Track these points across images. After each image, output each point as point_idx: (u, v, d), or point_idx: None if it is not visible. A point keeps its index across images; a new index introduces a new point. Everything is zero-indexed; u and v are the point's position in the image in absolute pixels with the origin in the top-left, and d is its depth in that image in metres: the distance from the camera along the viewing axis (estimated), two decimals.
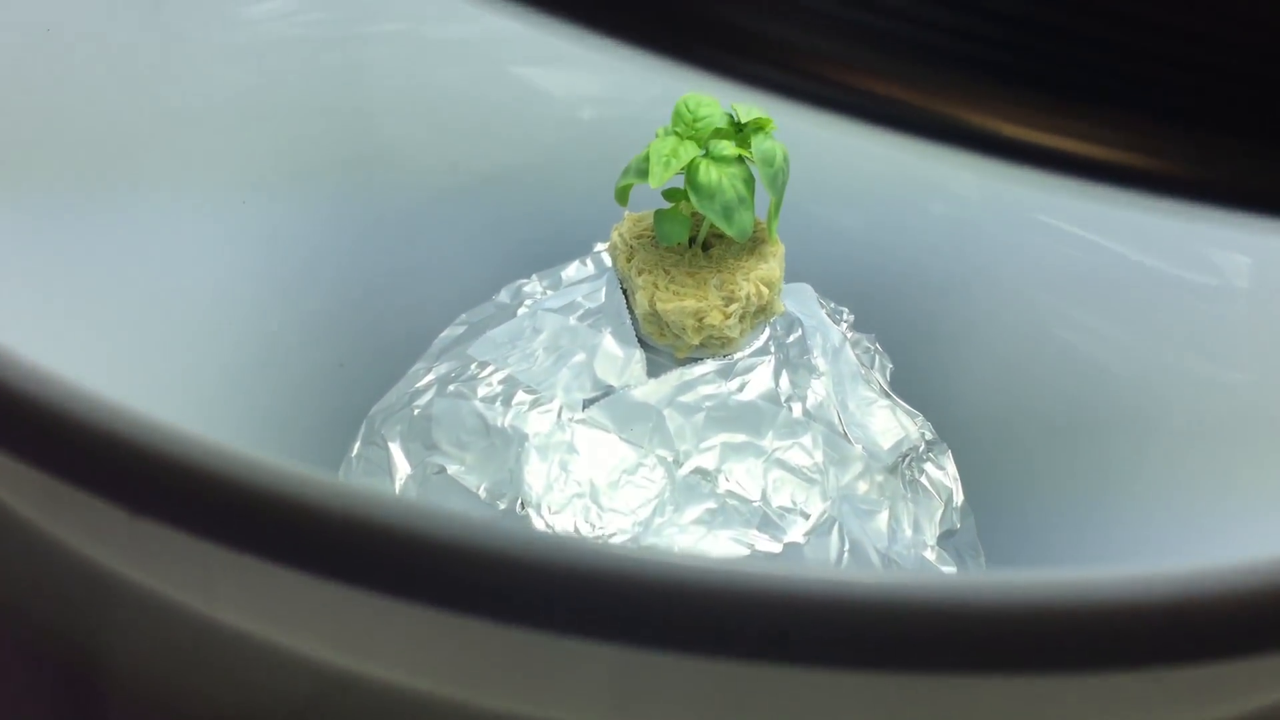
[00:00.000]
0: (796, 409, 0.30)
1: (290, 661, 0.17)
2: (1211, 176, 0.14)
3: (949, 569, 0.31)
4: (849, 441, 0.31)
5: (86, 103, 0.33)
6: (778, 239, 0.32)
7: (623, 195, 0.31)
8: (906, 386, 0.34)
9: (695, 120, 0.30)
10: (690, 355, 0.31)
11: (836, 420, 0.31)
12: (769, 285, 0.31)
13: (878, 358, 0.34)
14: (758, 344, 0.31)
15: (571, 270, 0.34)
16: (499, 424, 0.30)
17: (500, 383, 0.31)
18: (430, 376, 0.32)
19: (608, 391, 0.30)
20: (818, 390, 0.31)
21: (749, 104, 0.31)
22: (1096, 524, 0.35)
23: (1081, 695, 0.17)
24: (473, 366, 0.32)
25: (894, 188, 0.40)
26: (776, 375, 0.31)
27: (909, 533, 0.31)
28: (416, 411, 0.31)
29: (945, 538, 0.32)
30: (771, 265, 0.31)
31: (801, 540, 0.29)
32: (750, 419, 0.30)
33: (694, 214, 0.32)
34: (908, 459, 0.32)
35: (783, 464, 0.30)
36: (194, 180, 0.35)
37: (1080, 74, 0.13)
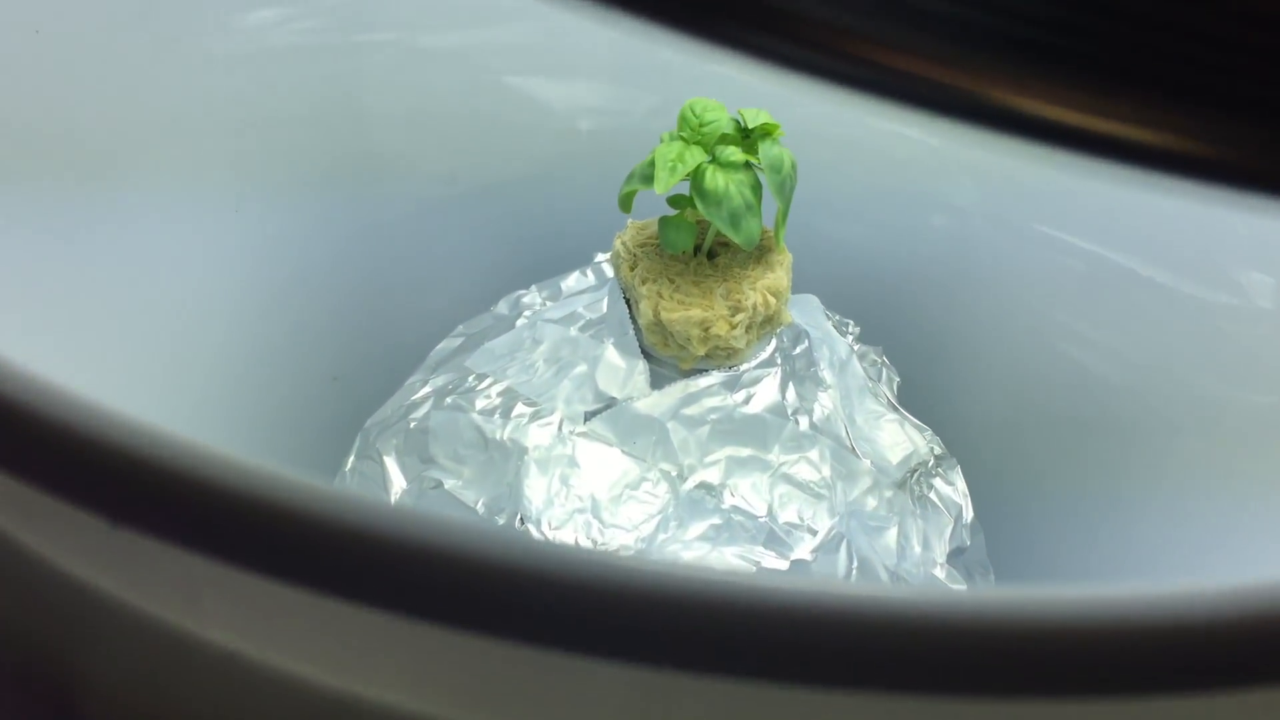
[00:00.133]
0: (803, 422, 0.30)
1: (283, 682, 0.17)
2: (1253, 161, 0.13)
3: (959, 587, 0.31)
4: (857, 456, 0.30)
5: (79, 109, 0.33)
6: (785, 248, 0.31)
7: (626, 202, 0.31)
8: (912, 400, 0.34)
9: (701, 125, 0.29)
10: (695, 367, 0.30)
11: (844, 434, 0.30)
12: (776, 295, 0.30)
13: (885, 370, 0.34)
14: (764, 355, 0.30)
15: (571, 281, 0.34)
16: (498, 437, 0.29)
17: (499, 395, 0.30)
18: (427, 389, 0.32)
19: (610, 403, 0.30)
20: (825, 403, 0.30)
21: (757, 107, 0.30)
22: (1104, 540, 0.35)
23: None
24: (470, 379, 0.31)
25: (897, 199, 0.40)
26: (783, 388, 0.30)
27: (918, 550, 0.30)
28: (413, 424, 0.31)
29: (955, 555, 0.31)
30: (779, 274, 0.31)
31: (809, 557, 0.28)
32: (756, 432, 0.29)
33: (699, 221, 0.31)
34: (916, 474, 0.31)
35: (789, 479, 0.29)
36: (187, 188, 0.35)
37: (1117, 54, 0.12)
